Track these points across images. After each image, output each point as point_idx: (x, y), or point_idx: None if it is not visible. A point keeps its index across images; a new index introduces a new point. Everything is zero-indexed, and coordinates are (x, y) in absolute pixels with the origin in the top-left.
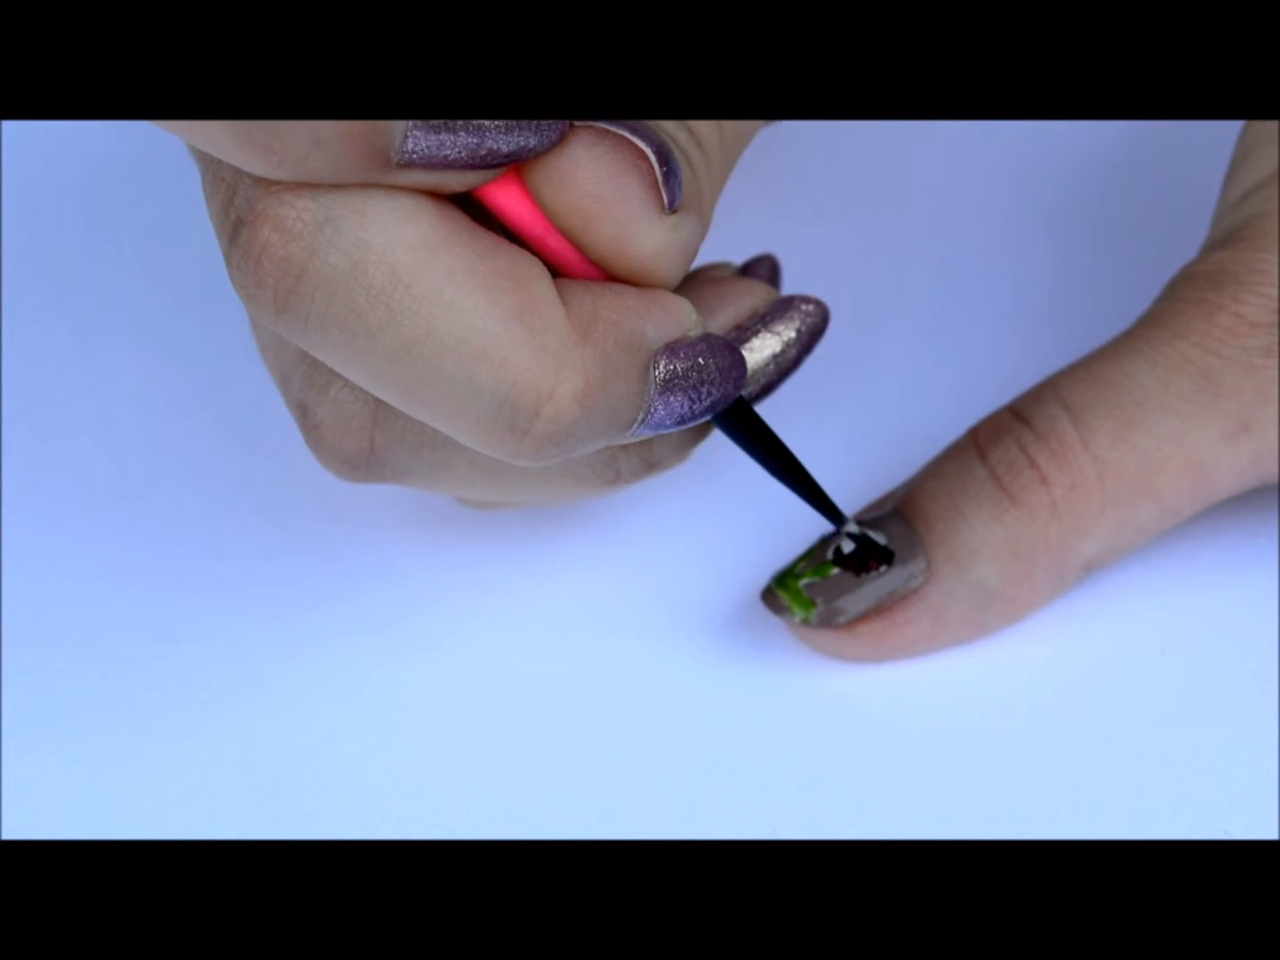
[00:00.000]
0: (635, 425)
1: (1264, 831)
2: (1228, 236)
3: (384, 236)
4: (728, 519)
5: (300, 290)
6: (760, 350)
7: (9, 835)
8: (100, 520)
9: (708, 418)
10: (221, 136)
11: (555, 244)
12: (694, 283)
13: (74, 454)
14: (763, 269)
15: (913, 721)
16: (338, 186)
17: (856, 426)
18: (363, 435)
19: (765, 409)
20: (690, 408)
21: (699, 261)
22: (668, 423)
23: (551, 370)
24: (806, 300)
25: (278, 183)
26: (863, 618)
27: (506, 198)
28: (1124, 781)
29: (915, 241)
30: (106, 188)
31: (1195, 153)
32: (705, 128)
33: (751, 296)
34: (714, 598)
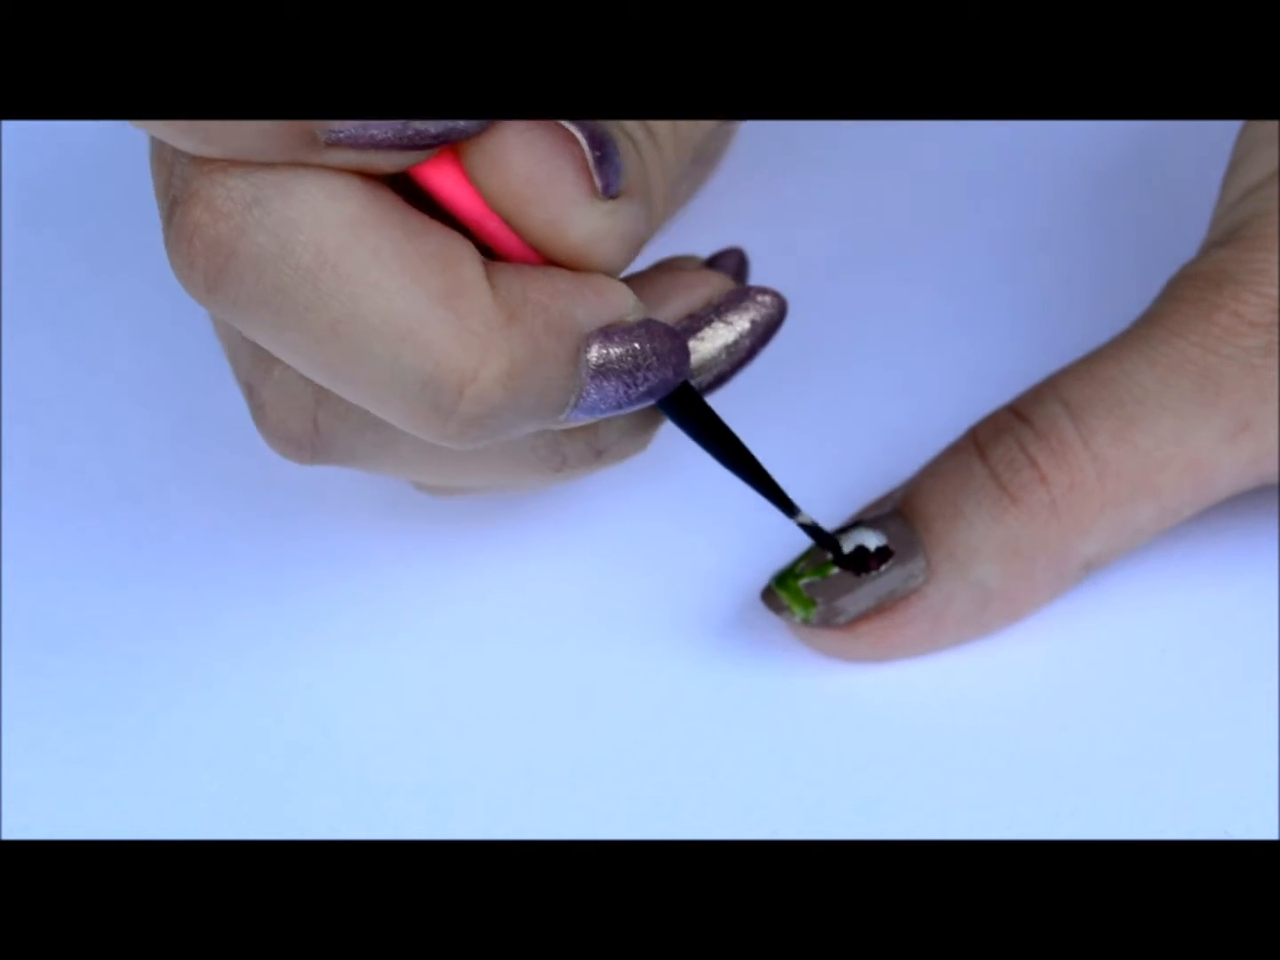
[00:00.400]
0: (568, 409)
1: (1264, 831)
2: (1227, 236)
3: (312, 216)
4: (728, 519)
5: (229, 270)
6: (712, 340)
7: (9, 835)
8: (100, 520)
9: (648, 403)
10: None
11: (492, 227)
12: (651, 272)
13: (74, 454)
14: (729, 262)
15: (913, 721)
16: (268, 166)
17: (857, 426)
18: (306, 415)
19: (759, 406)
20: (626, 393)
21: (674, 252)
22: (602, 407)
23: (475, 352)
24: (763, 291)
25: (211, 162)
26: (863, 617)
27: (443, 180)
28: (1124, 781)
29: (914, 241)
30: (106, 188)
31: (1195, 152)
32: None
33: (706, 286)
34: (714, 597)
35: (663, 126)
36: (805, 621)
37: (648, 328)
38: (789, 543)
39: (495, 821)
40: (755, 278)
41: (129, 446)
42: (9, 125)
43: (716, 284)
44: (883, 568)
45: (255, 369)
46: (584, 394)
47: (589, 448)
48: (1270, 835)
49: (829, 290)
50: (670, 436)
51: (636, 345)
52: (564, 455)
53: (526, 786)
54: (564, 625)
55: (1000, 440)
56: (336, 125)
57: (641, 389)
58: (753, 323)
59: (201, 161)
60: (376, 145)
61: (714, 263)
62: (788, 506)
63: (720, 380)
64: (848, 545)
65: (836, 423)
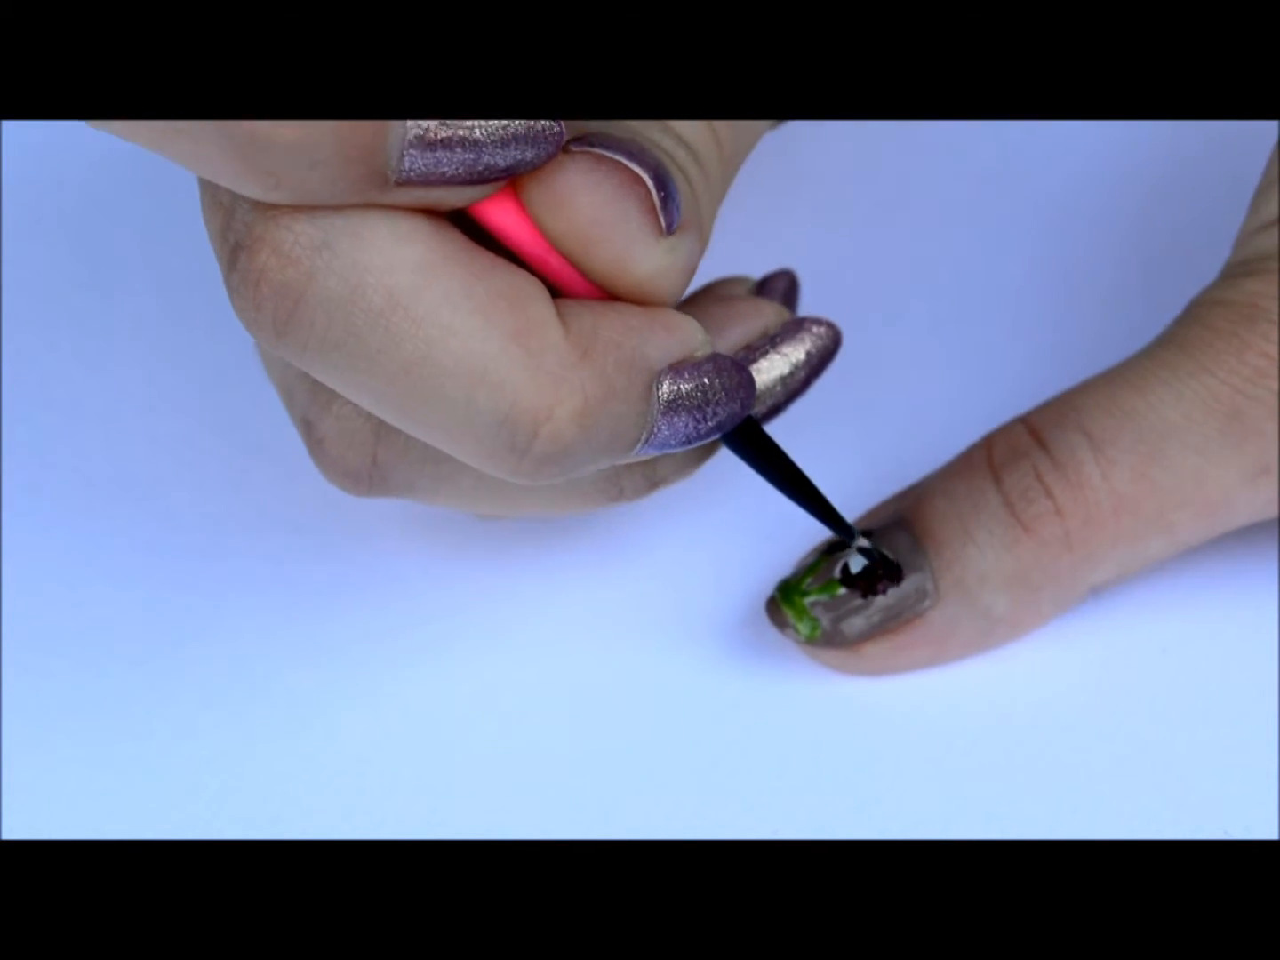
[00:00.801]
0: (639, 445)
1: (1264, 831)
2: (1257, 264)
3: (381, 259)
4: (731, 522)
5: (299, 315)
6: (769, 371)
7: (9, 835)
8: (100, 520)
9: (715, 437)
10: (219, 160)
11: (556, 264)
12: (704, 301)
13: (74, 454)
14: (780, 284)
15: (913, 720)
16: (335, 208)
17: (860, 426)
18: (365, 450)
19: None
20: (696, 428)
21: (707, 275)
22: (673, 442)
23: (549, 391)
24: (818, 322)
25: (274, 206)
26: (867, 637)
27: (506, 219)
28: (1124, 781)
29: (919, 243)
30: (106, 188)
31: (1199, 154)
32: (704, 144)
33: (761, 316)
34: (715, 599)
35: (709, 153)
36: (810, 640)
37: (716, 363)
38: (791, 545)
39: (495, 821)
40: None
41: (129, 446)
42: (9, 125)
43: (772, 314)
44: (890, 591)
45: (313, 405)
46: (655, 430)
47: (646, 479)
48: (1270, 835)
49: (833, 292)
50: None
51: (706, 381)
52: (621, 487)
53: (529, 787)
54: (564, 625)
55: (1017, 466)
56: (406, 163)
57: (711, 423)
58: (808, 354)
59: (265, 206)
60: (446, 181)
61: (765, 285)
62: (847, 532)
63: (774, 411)
64: (856, 564)
65: (839, 423)
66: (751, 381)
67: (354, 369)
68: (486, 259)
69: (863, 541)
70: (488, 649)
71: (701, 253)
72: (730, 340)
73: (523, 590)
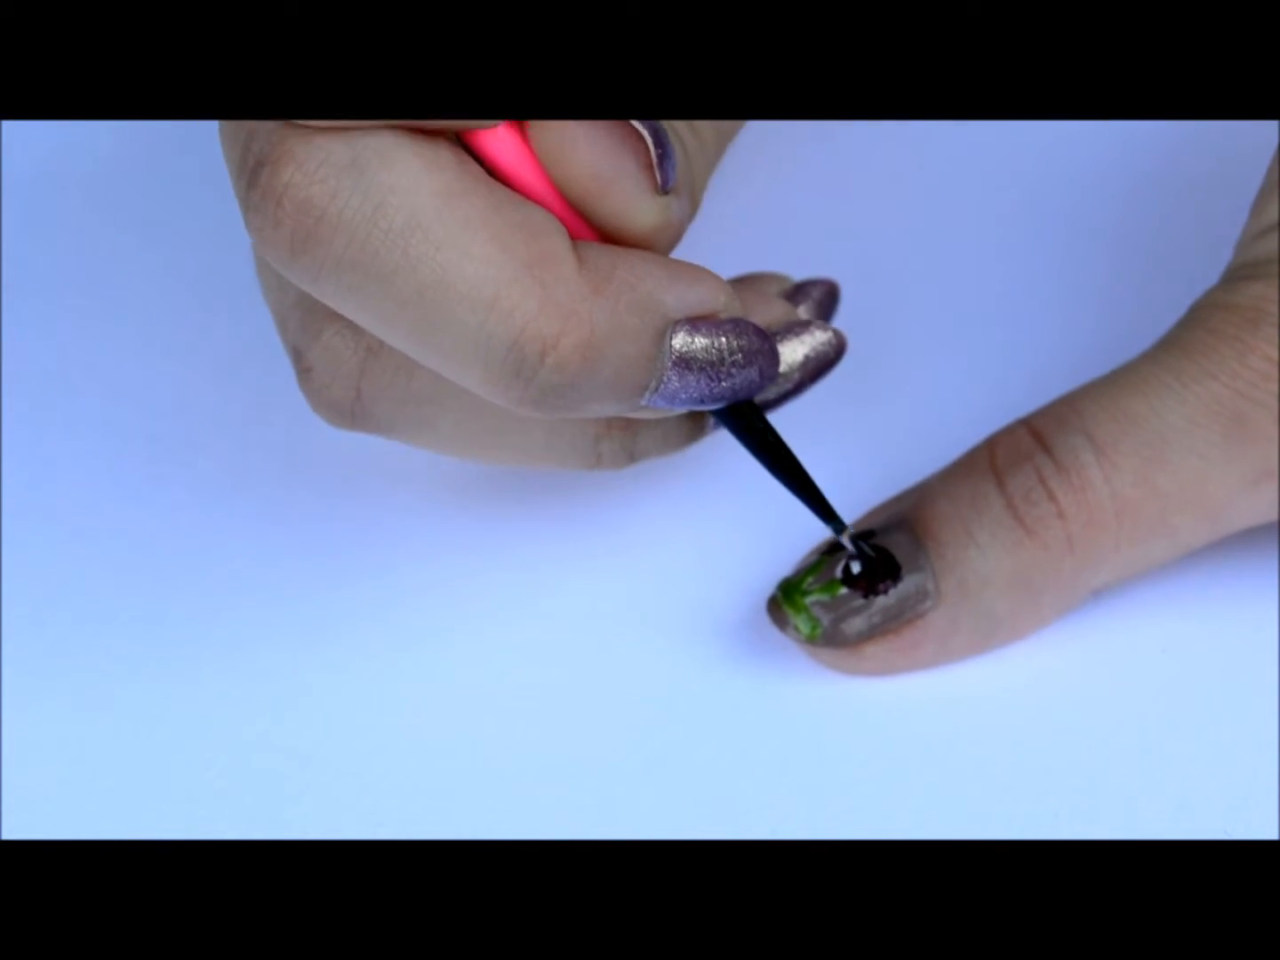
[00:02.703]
0: (647, 393)
1: (1264, 831)
2: (1261, 268)
3: (407, 181)
4: (732, 521)
5: (319, 232)
6: None
7: (9, 835)
8: (100, 520)
9: (728, 402)
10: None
11: (569, 215)
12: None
13: (74, 454)
14: (816, 292)
15: (913, 720)
16: (364, 131)
17: (863, 426)
18: (350, 383)
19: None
20: (708, 386)
21: (723, 273)
22: (683, 397)
23: (558, 320)
24: (824, 328)
25: (305, 125)
26: (868, 638)
27: (522, 167)
28: (1124, 782)
29: (924, 244)
30: (106, 188)
31: (1201, 157)
32: None
33: (766, 311)
34: (715, 597)
35: (704, 122)
36: (811, 639)
37: (737, 325)
38: (792, 545)
39: (496, 821)
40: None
41: (129, 446)
42: (9, 125)
43: (778, 311)
44: (891, 592)
45: (304, 333)
46: (665, 380)
47: (624, 450)
48: (1270, 835)
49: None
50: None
51: (724, 340)
52: (600, 452)
53: (528, 787)
54: (565, 625)
55: (1020, 468)
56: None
57: (724, 385)
58: (805, 358)
59: (294, 125)
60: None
61: (801, 289)
62: (836, 522)
63: (766, 408)
64: (856, 565)
65: (842, 424)
66: (774, 352)
67: (366, 290)
68: (506, 193)
69: (849, 534)
70: (487, 648)
71: (692, 217)
72: None
73: (523, 589)
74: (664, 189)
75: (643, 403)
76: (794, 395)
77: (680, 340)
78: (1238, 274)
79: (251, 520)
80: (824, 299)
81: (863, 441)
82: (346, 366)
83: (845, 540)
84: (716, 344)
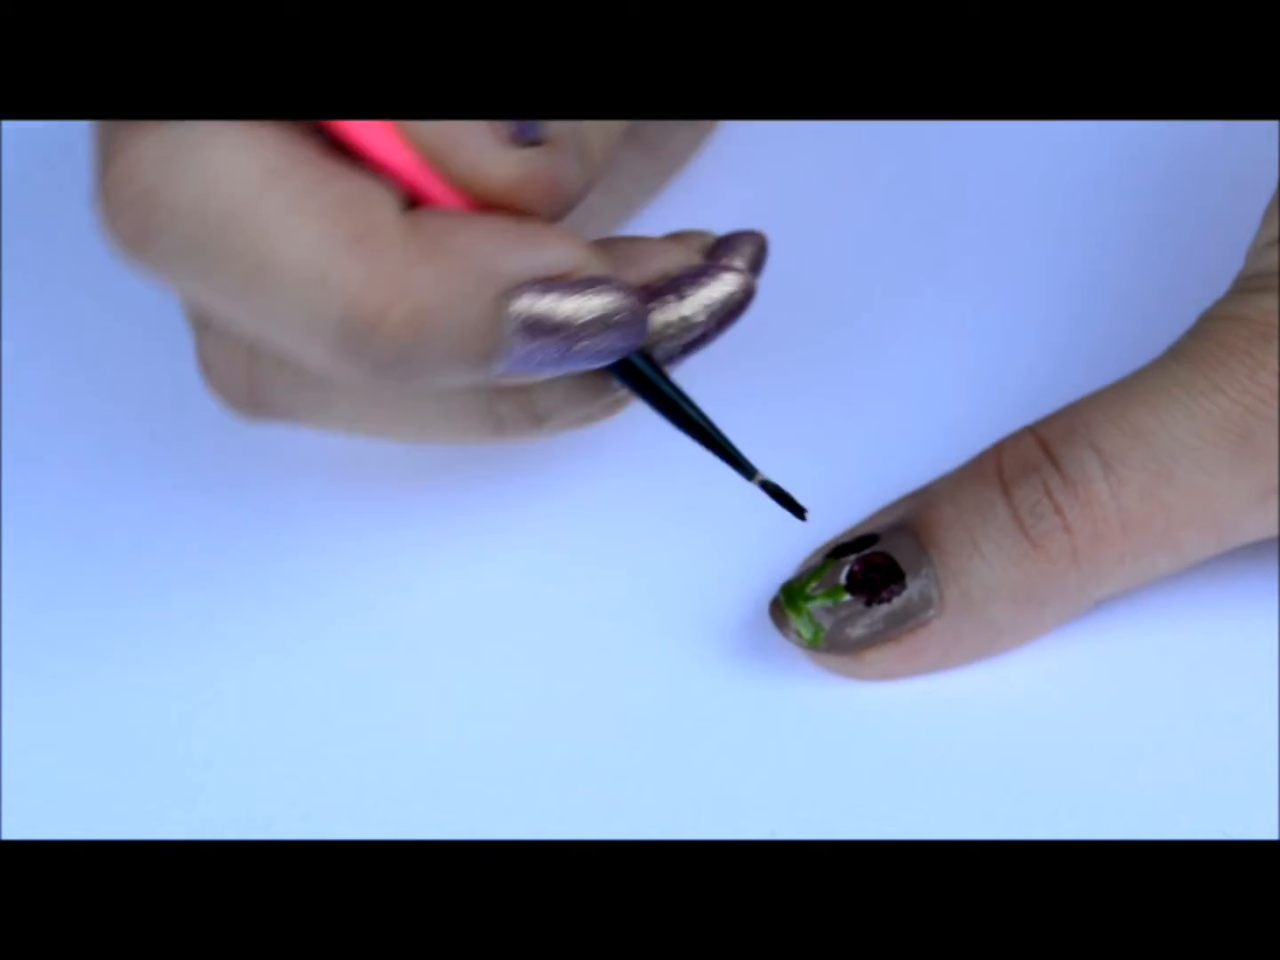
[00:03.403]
0: (494, 360)
1: (1264, 831)
2: (1271, 280)
3: (228, 166)
4: (733, 521)
5: (152, 224)
6: (662, 314)
7: (9, 835)
8: (100, 520)
9: (595, 365)
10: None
11: (418, 172)
12: (618, 240)
13: (74, 453)
14: (743, 245)
15: (913, 720)
16: (188, 122)
17: (867, 427)
18: (241, 372)
19: (764, 410)
20: (562, 351)
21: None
22: (538, 362)
23: (384, 292)
24: (728, 270)
25: (135, 122)
26: (871, 644)
27: (376, 133)
28: (1124, 782)
29: (930, 245)
30: None
31: (1209, 162)
32: None
33: (663, 257)
34: (715, 597)
35: None
36: (813, 644)
37: (595, 284)
38: (794, 544)
39: (496, 822)
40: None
41: (130, 445)
42: (9, 125)
43: (678, 257)
44: (895, 599)
45: (196, 325)
46: (511, 345)
47: (524, 412)
48: (1270, 835)
49: (843, 293)
50: (677, 438)
51: (576, 302)
52: (499, 417)
53: (528, 787)
54: (565, 625)
55: (1026, 480)
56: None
57: (581, 347)
58: (710, 300)
59: (125, 123)
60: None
61: (724, 243)
62: (746, 469)
63: (671, 357)
64: (841, 573)
65: (845, 424)
66: (641, 311)
67: (205, 280)
68: (333, 167)
69: (762, 476)
70: (487, 647)
71: (582, 177)
72: (627, 279)
73: (523, 590)
74: (520, 138)
75: (498, 370)
76: (702, 344)
77: (523, 303)
78: (1248, 285)
79: (252, 520)
80: (753, 253)
81: (867, 444)
82: (236, 356)
83: (757, 486)
84: (565, 306)
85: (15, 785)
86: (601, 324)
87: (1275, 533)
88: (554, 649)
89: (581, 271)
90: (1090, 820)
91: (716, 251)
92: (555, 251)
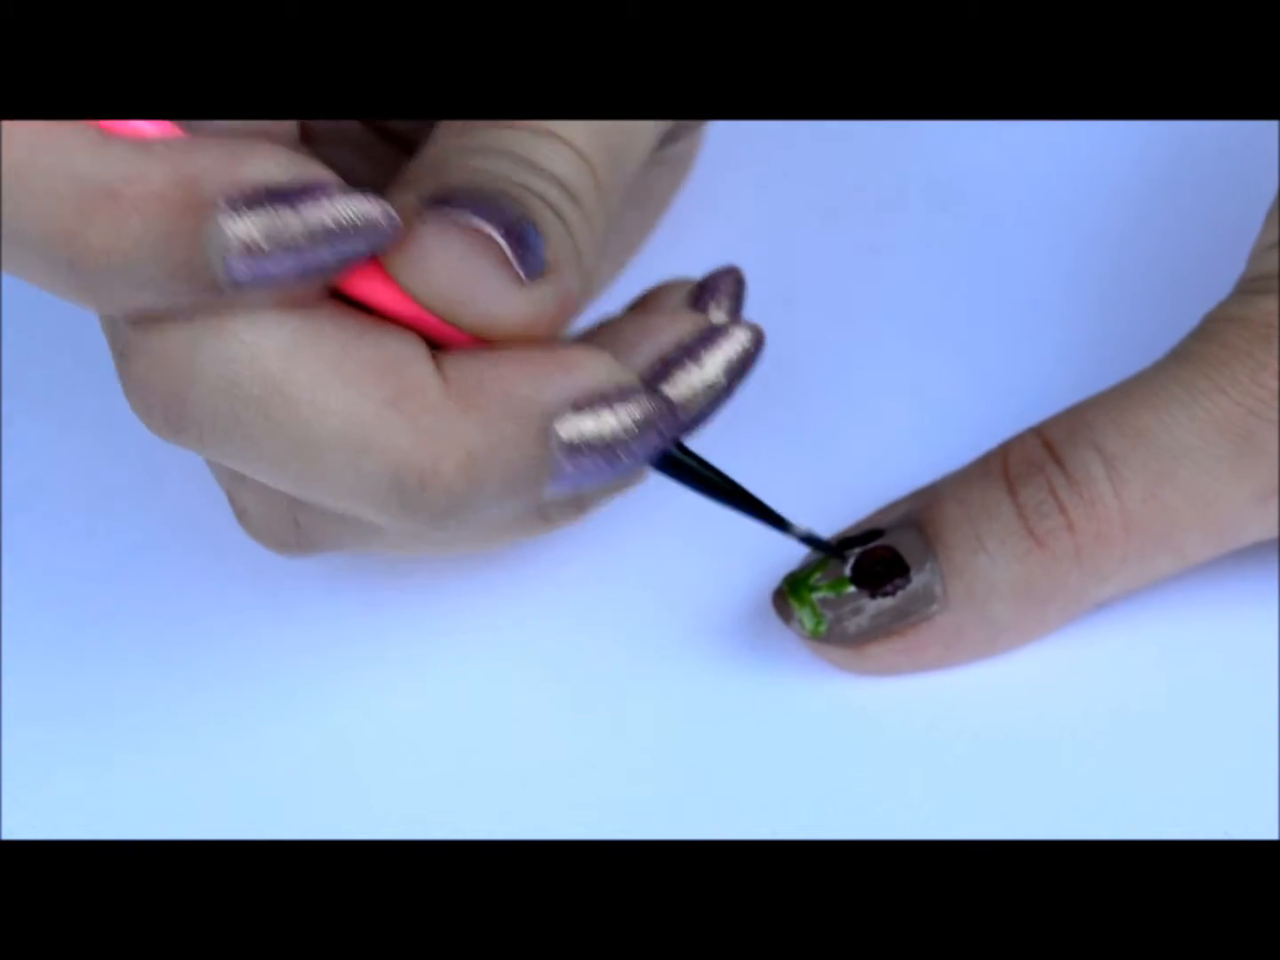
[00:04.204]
0: (545, 486)
1: (1264, 831)
2: (1274, 282)
3: (247, 350)
4: (734, 517)
5: (186, 414)
6: (684, 383)
7: (9, 835)
8: (100, 520)
9: (635, 469)
10: (61, 288)
11: (436, 323)
12: (620, 321)
13: (75, 453)
14: (723, 285)
15: (913, 720)
16: (201, 315)
17: (871, 428)
18: (285, 517)
19: (761, 411)
20: (609, 464)
21: (667, 260)
22: (588, 479)
23: (431, 448)
24: (739, 327)
25: (148, 316)
26: (873, 637)
27: (373, 289)
28: (1124, 782)
29: (932, 246)
30: None
31: (1212, 164)
32: (577, 179)
33: (674, 329)
34: (716, 597)
35: (584, 189)
36: (815, 635)
37: (625, 395)
38: (796, 545)
39: (496, 822)
40: (758, 280)
41: (130, 446)
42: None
43: (686, 325)
44: (898, 593)
45: (231, 479)
46: (561, 471)
47: (572, 504)
48: (1270, 835)
49: (845, 294)
50: None
51: (614, 417)
52: (547, 515)
53: (529, 787)
54: (565, 624)
55: (1032, 479)
56: (233, 274)
57: (627, 459)
58: (727, 361)
59: (133, 321)
60: (282, 283)
61: (704, 288)
62: (781, 524)
63: (699, 421)
64: (848, 565)
65: (849, 425)
66: (672, 410)
67: (246, 455)
68: (357, 327)
69: (799, 530)
70: (487, 647)
71: (585, 290)
72: (643, 358)
73: (523, 589)
74: (528, 278)
75: (547, 495)
76: (725, 400)
77: (566, 430)
78: (1251, 286)
79: None
80: (734, 291)
81: (871, 446)
82: (278, 504)
83: (797, 540)
84: (605, 422)
85: (15, 785)
86: (640, 431)
87: (1276, 534)
88: (554, 649)
89: (612, 384)
90: (1090, 820)
91: (702, 298)
92: (585, 371)
